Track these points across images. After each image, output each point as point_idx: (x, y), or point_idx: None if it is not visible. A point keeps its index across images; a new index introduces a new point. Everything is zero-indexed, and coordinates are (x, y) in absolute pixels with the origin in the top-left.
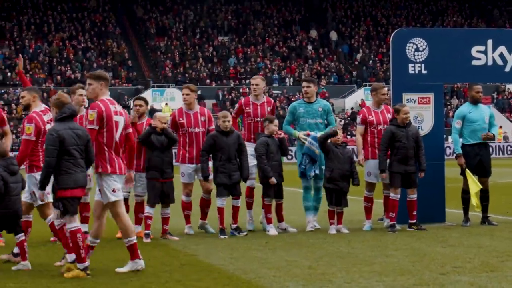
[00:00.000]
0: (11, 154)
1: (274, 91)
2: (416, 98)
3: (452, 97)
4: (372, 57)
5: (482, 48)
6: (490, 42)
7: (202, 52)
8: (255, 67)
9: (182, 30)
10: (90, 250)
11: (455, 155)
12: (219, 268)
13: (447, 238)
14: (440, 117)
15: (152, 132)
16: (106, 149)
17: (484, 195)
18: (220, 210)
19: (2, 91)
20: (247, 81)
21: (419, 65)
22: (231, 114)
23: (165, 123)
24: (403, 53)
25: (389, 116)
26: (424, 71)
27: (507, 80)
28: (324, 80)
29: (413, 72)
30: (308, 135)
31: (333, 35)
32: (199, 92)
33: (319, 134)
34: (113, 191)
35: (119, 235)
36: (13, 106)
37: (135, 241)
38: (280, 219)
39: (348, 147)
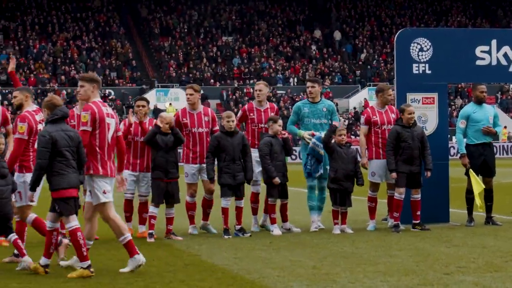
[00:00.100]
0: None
1: (278, 91)
2: (420, 98)
3: (456, 97)
4: (376, 57)
5: (486, 48)
6: (494, 42)
7: (206, 52)
8: (259, 67)
9: (186, 30)
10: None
11: (459, 155)
12: (223, 268)
13: (451, 238)
14: (444, 117)
15: (157, 132)
16: (98, 151)
17: (488, 195)
18: (225, 211)
19: (7, 91)
20: (251, 81)
21: (423, 65)
22: (235, 114)
23: (170, 123)
24: (407, 53)
25: (393, 116)
26: (428, 71)
27: (511, 80)
28: (328, 80)
29: (417, 72)
30: (312, 135)
31: (337, 35)
32: (201, 92)
33: (323, 134)
34: (104, 192)
35: None
36: None
37: (129, 237)
38: (285, 219)
39: (352, 147)
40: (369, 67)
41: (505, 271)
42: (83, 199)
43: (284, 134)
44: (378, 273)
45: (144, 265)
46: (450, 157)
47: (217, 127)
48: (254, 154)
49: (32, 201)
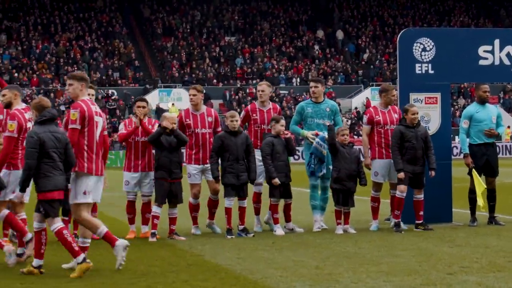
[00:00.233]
0: None
1: (281, 91)
2: (423, 98)
3: (459, 97)
4: (379, 57)
5: (489, 48)
6: (497, 42)
7: (209, 52)
8: (262, 67)
9: (189, 30)
10: (84, 251)
11: (462, 155)
12: (226, 268)
13: (454, 238)
14: (447, 117)
15: (162, 132)
16: (86, 149)
17: (491, 195)
18: (228, 210)
19: None
20: (254, 82)
21: (426, 65)
22: (239, 114)
23: (174, 123)
24: (410, 53)
25: (396, 116)
26: (431, 71)
27: None
28: (331, 80)
29: (420, 72)
30: (316, 134)
31: (340, 35)
32: (204, 91)
33: (326, 134)
34: (84, 193)
35: (129, 235)
36: None
37: (106, 229)
38: (288, 219)
39: (355, 147)
40: (372, 67)
41: (508, 271)
42: None
43: (287, 134)
44: (381, 273)
45: (147, 265)
46: (453, 157)
47: (220, 128)
48: (257, 155)
49: (22, 202)
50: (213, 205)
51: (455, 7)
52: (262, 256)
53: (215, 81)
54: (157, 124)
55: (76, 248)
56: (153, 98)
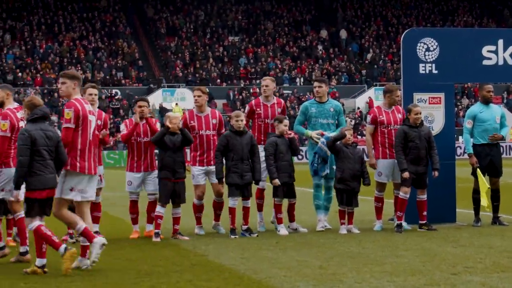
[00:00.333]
0: None
1: (284, 91)
2: (426, 98)
3: (462, 97)
4: (382, 57)
5: (492, 48)
6: (500, 42)
7: (212, 52)
8: (266, 67)
9: (192, 30)
10: (85, 250)
11: (466, 155)
12: (229, 268)
13: (458, 238)
14: (451, 117)
15: (166, 132)
16: (79, 148)
17: (495, 195)
18: (232, 210)
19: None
20: (258, 81)
21: (430, 65)
22: (243, 113)
23: (178, 124)
24: (414, 53)
25: (399, 116)
26: (434, 71)
27: None
28: (335, 80)
29: (423, 72)
30: (322, 134)
31: (343, 35)
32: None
33: (331, 134)
34: (71, 189)
35: (132, 235)
36: None
37: (84, 225)
38: (292, 219)
39: (358, 147)
40: (375, 67)
41: None
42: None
43: (290, 134)
44: (385, 273)
45: (151, 265)
46: (456, 157)
47: (224, 130)
48: (260, 150)
49: (18, 200)
50: (218, 207)
51: (459, 7)
52: (266, 256)
53: (218, 81)
54: (158, 124)
55: (57, 240)
56: (157, 98)
